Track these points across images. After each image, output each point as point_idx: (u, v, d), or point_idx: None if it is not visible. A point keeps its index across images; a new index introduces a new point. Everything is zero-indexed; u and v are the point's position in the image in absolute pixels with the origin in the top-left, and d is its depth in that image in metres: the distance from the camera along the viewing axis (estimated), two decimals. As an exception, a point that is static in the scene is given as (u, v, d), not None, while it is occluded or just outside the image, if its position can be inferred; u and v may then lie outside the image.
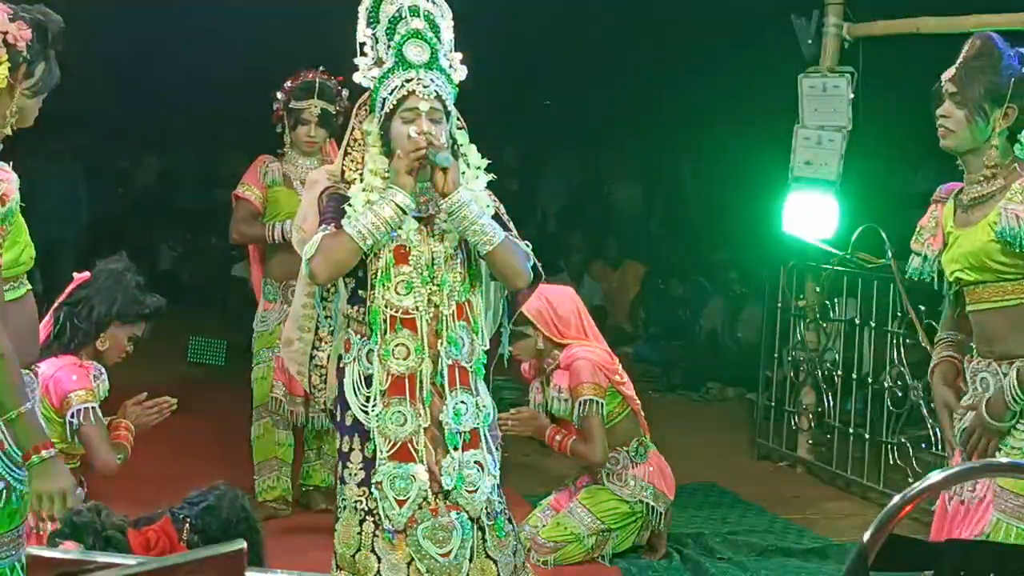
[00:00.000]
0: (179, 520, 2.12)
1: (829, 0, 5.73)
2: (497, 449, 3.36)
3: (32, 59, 2.55)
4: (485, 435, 3.30)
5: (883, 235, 5.37)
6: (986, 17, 5.07)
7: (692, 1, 10.39)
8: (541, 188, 11.83)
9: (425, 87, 3.15)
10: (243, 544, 1.43)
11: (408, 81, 3.15)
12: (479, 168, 3.34)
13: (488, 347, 3.40)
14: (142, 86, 12.34)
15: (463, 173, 3.27)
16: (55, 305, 3.73)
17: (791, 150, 5.86)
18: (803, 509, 5.43)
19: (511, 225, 3.36)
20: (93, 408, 3.55)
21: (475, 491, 3.23)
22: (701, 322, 8.37)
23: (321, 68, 4.99)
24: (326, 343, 3.44)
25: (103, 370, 3.72)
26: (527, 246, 3.33)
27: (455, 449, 3.23)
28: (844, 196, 5.69)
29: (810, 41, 5.80)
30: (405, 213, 3.18)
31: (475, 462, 3.25)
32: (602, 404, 4.53)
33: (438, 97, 3.18)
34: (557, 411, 4.63)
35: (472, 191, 3.25)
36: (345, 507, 3.29)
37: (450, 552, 3.20)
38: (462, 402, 3.25)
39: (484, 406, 3.31)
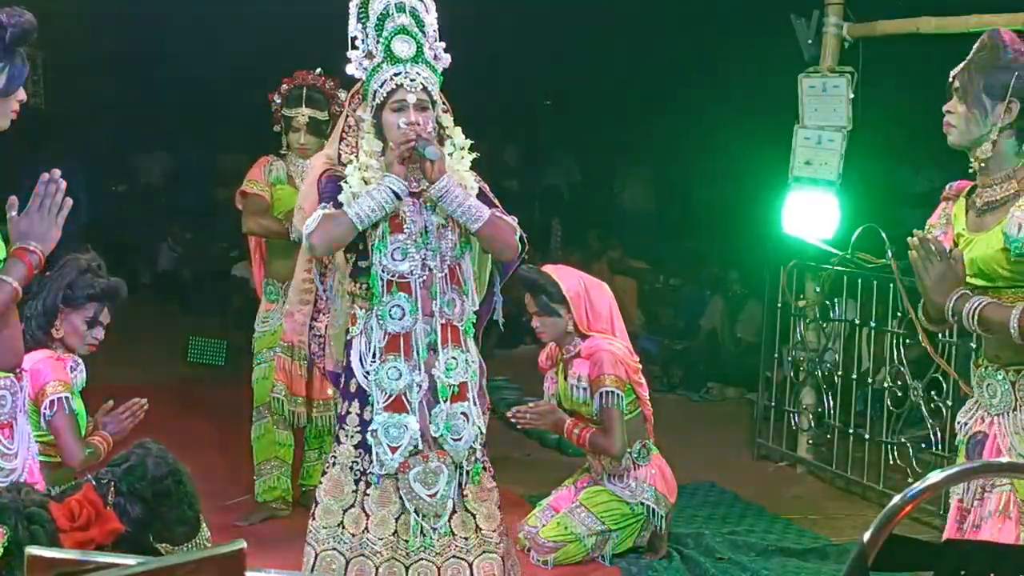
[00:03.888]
0: (103, 485, 2.10)
1: (829, 0, 5.73)
2: (484, 413, 3.65)
3: None
4: (472, 389, 3.60)
5: (883, 235, 5.36)
6: (987, 17, 5.07)
7: (692, 1, 10.40)
8: (541, 188, 11.83)
9: (412, 80, 3.43)
10: (243, 544, 1.42)
11: (396, 75, 3.42)
12: (463, 148, 3.60)
13: (478, 307, 3.69)
14: (142, 86, 12.34)
15: (450, 154, 3.54)
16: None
17: (791, 150, 5.86)
18: (803, 509, 5.43)
19: (496, 201, 3.64)
20: (66, 398, 3.54)
21: (460, 439, 3.54)
22: (701, 322, 8.37)
23: (319, 70, 4.99)
24: (324, 313, 3.74)
25: (80, 362, 3.71)
26: (513, 220, 3.60)
27: (445, 400, 3.53)
28: (844, 196, 5.69)
29: (810, 41, 5.80)
30: (399, 199, 3.46)
31: (461, 413, 3.55)
32: (622, 397, 4.53)
33: (424, 89, 3.44)
34: (576, 400, 4.63)
35: (458, 171, 3.53)
36: (336, 463, 3.57)
37: (437, 493, 3.53)
38: (453, 358, 3.55)
39: (472, 362, 3.62)
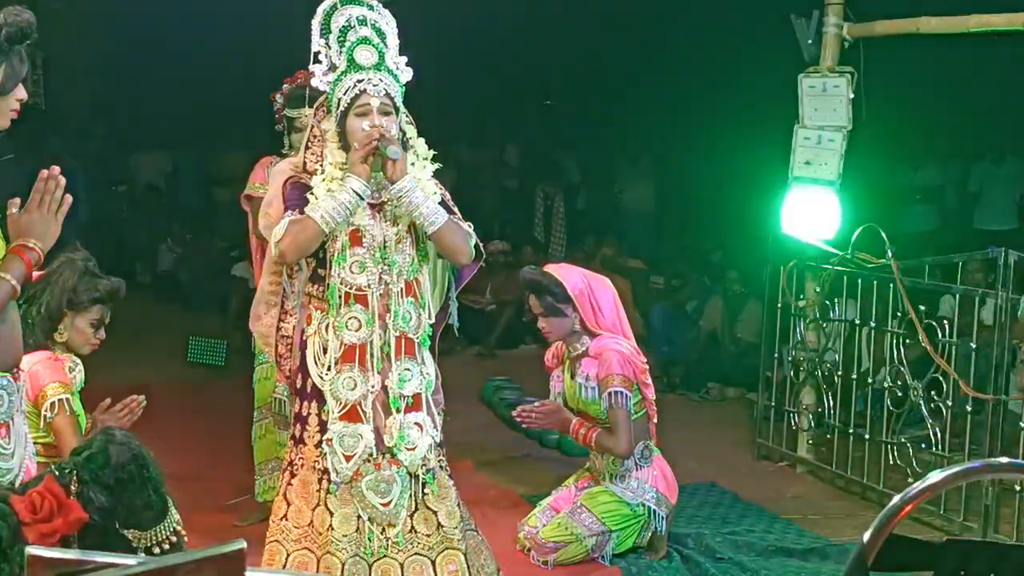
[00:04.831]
0: (65, 475, 2.09)
1: (829, 0, 5.73)
2: (439, 414, 3.72)
3: None
4: (427, 399, 3.66)
5: (883, 235, 5.36)
6: (986, 17, 5.07)
7: (693, 2, 10.40)
8: (540, 188, 11.83)
9: (375, 85, 3.51)
10: (243, 544, 1.42)
11: (360, 81, 3.51)
12: (426, 158, 3.69)
13: (434, 320, 3.74)
14: (142, 86, 12.35)
15: (412, 163, 3.62)
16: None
17: (791, 150, 5.86)
18: (803, 509, 5.43)
19: (455, 209, 3.71)
20: (67, 399, 3.54)
21: (414, 449, 3.61)
22: (701, 322, 8.36)
23: None
24: (291, 315, 3.78)
25: (79, 362, 3.71)
26: (469, 227, 3.69)
27: (398, 411, 3.60)
28: (844, 196, 5.69)
29: (810, 41, 5.80)
30: (362, 199, 3.53)
31: (415, 423, 3.62)
32: (630, 397, 4.53)
33: (387, 94, 3.53)
34: (584, 400, 4.63)
35: (418, 179, 3.60)
36: (303, 465, 3.65)
37: (390, 502, 3.59)
38: (407, 369, 3.62)
39: (427, 374, 3.68)
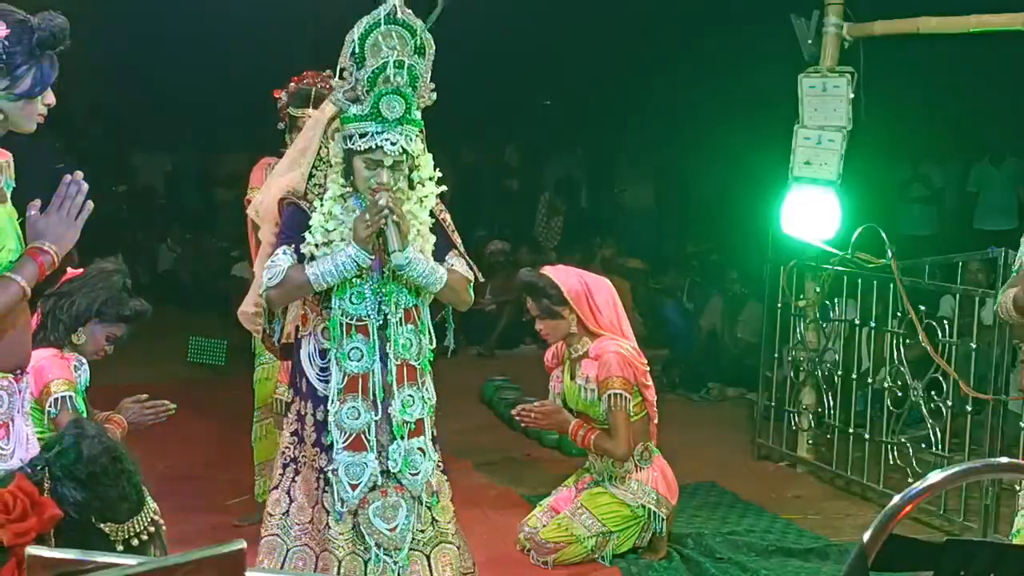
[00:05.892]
0: (37, 472, 2.08)
1: (829, 0, 5.73)
2: (431, 411, 3.71)
3: (10, 61, 2.53)
4: (428, 424, 3.70)
5: (883, 235, 5.36)
6: (986, 17, 5.07)
7: (693, 2, 10.40)
8: (541, 188, 11.82)
9: (392, 144, 3.47)
10: (243, 544, 1.42)
11: (379, 134, 3.47)
12: (431, 179, 3.66)
13: (434, 345, 3.74)
14: (142, 86, 12.35)
15: (419, 183, 3.61)
16: (44, 295, 3.73)
17: (791, 150, 5.86)
18: (803, 509, 5.43)
19: (454, 237, 3.72)
20: (71, 397, 3.57)
21: (417, 474, 3.66)
22: (701, 322, 8.37)
23: (328, 71, 4.97)
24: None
25: (84, 361, 3.73)
26: (467, 272, 3.70)
27: (401, 437, 3.63)
28: (844, 196, 5.69)
29: (810, 41, 5.80)
30: (359, 265, 3.52)
31: (418, 448, 3.66)
32: (629, 399, 4.52)
33: (403, 150, 3.50)
34: (583, 401, 4.62)
35: (416, 217, 3.57)
36: (305, 463, 3.69)
37: (396, 527, 3.63)
38: (410, 395, 3.65)
39: (429, 398, 3.71)
